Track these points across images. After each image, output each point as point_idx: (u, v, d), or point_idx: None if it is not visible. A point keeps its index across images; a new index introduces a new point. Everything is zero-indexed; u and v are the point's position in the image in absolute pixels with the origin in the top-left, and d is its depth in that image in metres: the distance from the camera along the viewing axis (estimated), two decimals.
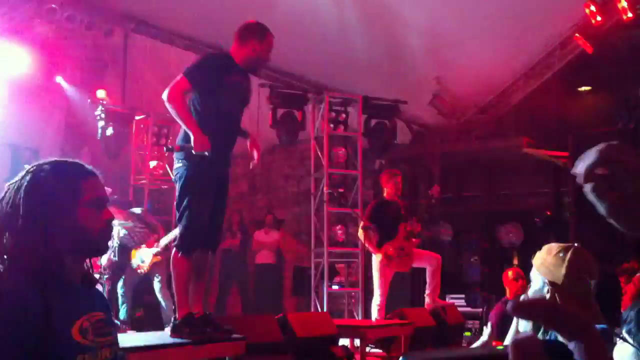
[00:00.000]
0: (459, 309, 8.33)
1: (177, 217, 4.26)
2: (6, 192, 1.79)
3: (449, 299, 8.95)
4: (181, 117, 4.06)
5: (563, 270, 2.25)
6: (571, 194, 7.43)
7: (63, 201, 1.78)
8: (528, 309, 0.62)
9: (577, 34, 9.19)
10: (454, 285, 9.41)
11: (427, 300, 7.40)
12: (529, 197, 10.20)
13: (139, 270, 7.83)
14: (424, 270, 7.71)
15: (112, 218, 1.91)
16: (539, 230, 9.49)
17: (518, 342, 0.57)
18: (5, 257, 1.73)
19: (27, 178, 1.79)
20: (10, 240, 1.72)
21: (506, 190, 10.15)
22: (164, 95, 4.06)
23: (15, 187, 1.78)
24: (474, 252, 10.16)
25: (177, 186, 4.22)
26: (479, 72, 10.02)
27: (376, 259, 7.28)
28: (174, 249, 4.24)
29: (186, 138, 4.12)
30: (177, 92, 4.06)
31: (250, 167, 4.71)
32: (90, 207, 1.82)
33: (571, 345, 0.60)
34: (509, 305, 0.61)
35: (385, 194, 7.52)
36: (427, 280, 7.48)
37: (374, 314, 7.30)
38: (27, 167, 1.86)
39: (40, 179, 1.78)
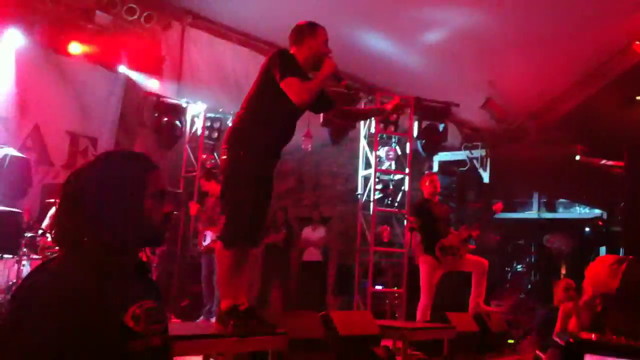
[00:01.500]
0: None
1: (221, 209, 4.27)
2: (75, 177, 1.84)
3: (493, 306, 8.85)
4: (319, 84, 4.12)
5: (616, 282, 2.23)
6: (624, 204, 7.26)
7: (131, 191, 1.82)
8: None
9: (636, 42, 8.99)
10: (499, 292, 9.31)
11: (471, 305, 7.35)
12: (581, 205, 10.02)
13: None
14: (469, 274, 7.67)
15: (172, 211, 1.96)
16: (589, 240, 9.32)
17: None
18: (63, 240, 1.79)
19: (97, 166, 1.84)
20: (76, 225, 1.78)
21: (557, 198, 9.98)
22: (299, 103, 4.08)
23: (85, 175, 1.83)
24: (522, 260, 10.03)
25: (224, 178, 4.27)
26: (533, 78, 9.89)
27: (423, 260, 7.28)
28: (218, 240, 4.28)
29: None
30: (300, 90, 4.07)
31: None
32: (154, 199, 1.86)
33: None
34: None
35: (424, 195, 7.57)
36: (473, 285, 7.45)
37: (419, 315, 7.30)
38: (85, 152, 1.91)
39: (109, 169, 1.83)
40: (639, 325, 2.08)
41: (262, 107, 4.20)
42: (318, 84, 4.10)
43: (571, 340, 0.51)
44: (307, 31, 4.29)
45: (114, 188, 1.80)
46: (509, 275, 10.12)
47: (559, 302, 6.00)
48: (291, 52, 4.28)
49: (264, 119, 4.17)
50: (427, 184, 7.50)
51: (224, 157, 4.23)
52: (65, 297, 1.65)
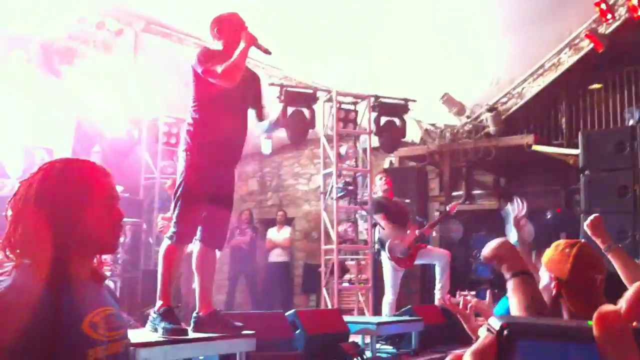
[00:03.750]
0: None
1: (172, 209, 4.29)
2: (19, 188, 1.82)
3: (458, 297, 8.94)
4: (239, 57, 4.15)
5: (568, 266, 2.26)
6: (582, 191, 7.40)
7: (72, 199, 1.79)
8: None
9: (587, 32, 9.17)
10: (463, 282, 9.41)
11: (437, 296, 7.43)
12: (540, 195, 10.17)
13: None
14: (433, 266, 7.77)
15: (122, 217, 1.92)
16: (550, 228, 9.46)
17: (602, 315, 0.58)
18: (17, 251, 1.76)
19: (38, 175, 1.81)
20: (22, 236, 1.75)
21: (516, 188, 10.11)
22: (226, 81, 4.15)
23: (27, 184, 1.80)
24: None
25: (177, 179, 4.35)
26: (489, 70, 10.03)
27: (385, 256, 7.37)
28: (165, 238, 4.29)
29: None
30: (223, 71, 4.14)
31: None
32: (99, 206, 1.84)
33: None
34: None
35: (380, 193, 7.74)
36: (437, 276, 7.54)
37: (385, 310, 7.35)
38: (40, 164, 1.88)
39: (51, 176, 1.80)
40: (590, 308, 2.11)
41: (200, 107, 4.29)
42: (238, 56, 4.16)
43: (504, 324, 0.51)
44: (216, 22, 4.46)
45: (54, 196, 1.77)
46: (473, 266, 10.23)
47: None
48: (215, 47, 4.43)
49: (204, 118, 4.26)
50: (379, 181, 7.69)
51: (179, 161, 4.35)
52: (18, 309, 1.62)
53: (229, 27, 4.38)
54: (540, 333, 0.57)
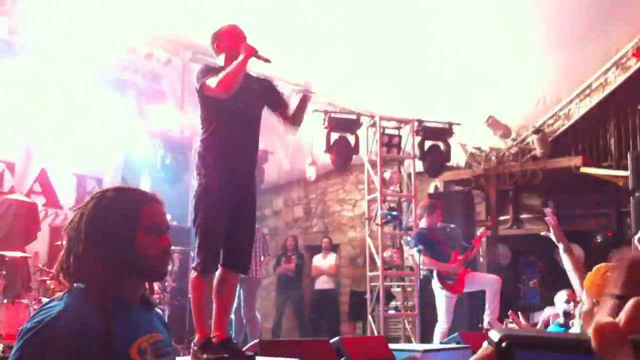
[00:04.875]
0: None
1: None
2: (73, 216, 1.89)
3: (507, 323, 8.78)
4: (236, 67, 4.08)
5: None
6: (632, 213, 7.24)
7: (122, 227, 1.85)
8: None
9: (635, 50, 9.03)
10: (512, 308, 9.23)
11: (485, 322, 7.33)
12: (589, 218, 9.97)
13: None
14: (480, 293, 7.67)
15: (170, 245, 1.97)
16: (600, 251, 9.25)
17: (599, 327, 0.58)
18: (70, 277, 1.82)
19: (91, 204, 1.88)
20: (74, 263, 1.81)
21: (565, 211, 9.93)
22: (223, 92, 4.08)
23: (80, 213, 1.87)
24: (533, 275, 9.96)
25: (194, 205, 4.24)
26: (535, 92, 9.93)
27: (436, 284, 7.31)
28: (192, 270, 4.20)
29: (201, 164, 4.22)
30: (219, 82, 4.08)
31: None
32: (149, 234, 1.88)
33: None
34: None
35: (424, 224, 7.67)
36: (487, 302, 7.43)
37: (436, 339, 7.27)
38: (92, 193, 1.95)
39: (102, 205, 1.87)
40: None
41: (208, 127, 4.21)
42: (235, 66, 4.07)
43: (502, 337, 0.51)
44: (215, 37, 4.42)
45: (105, 224, 1.83)
46: (521, 292, 10.04)
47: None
48: (218, 61, 4.37)
49: (214, 139, 4.17)
50: (426, 213, 7.62)
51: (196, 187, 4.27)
52: (72, 333, 1.67)
53: (228, 40, 4.32)
54: (539, 344, 0.57)
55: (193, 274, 4.15)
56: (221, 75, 4.05)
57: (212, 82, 4.05)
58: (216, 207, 4.08)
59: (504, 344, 0.56)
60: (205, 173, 4.15)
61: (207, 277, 4.12)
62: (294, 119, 4.51)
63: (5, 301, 6.74)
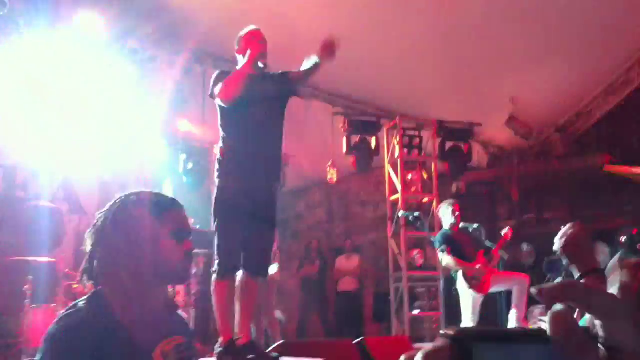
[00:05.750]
0: None
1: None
2: (96, 221, 1.92)
3: (534, 323, 8.73)
4: (240, 71, 4.16)
5: (635, 287, 2.20)
6: None
7: (146, 232, 1.86)
8: (554, 292, 0.62)
9: None
10: (537, 307, 9.17)
11: (512, 320, 7.28)
12: (613, 217, 9.87)
13: None
14: (505, 293, 7.63)
15: (192, 249, 1.98)
16: (626, 249, 9.15)
17: (554, 315, 0.59)
18: (94, 280, 1.85)
19: (114, 208, 1.90)
20: (97, 267, 1.84)
21: (589, 210, 9.85)
22: (227, 98, 4.14)
23: (104, 216, 1.90)
24: (558, 275, 9.87)
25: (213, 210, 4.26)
26: (556, 91, 9.86)
27: (461, 284, 7.28)
28: (212, 273, 4.23)
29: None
30: (221, 90, 4.15)
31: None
32: (171, 238, 1.90)
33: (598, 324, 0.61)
34: (533, 290, 0.61)
35: (445, 224, 7.63)
36: (514, 300, 7.37)
37: None
38: (115, 197, 1.97)
39: (125, 210, 1.89)
40: None
41: (225, 132, 4.25)
42: (236, 71, 4.15)
43: (458, 331, 0.51)
44: (236, 41, 4.44)
45: (128, 229, 1.85)
46: None
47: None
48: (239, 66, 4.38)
49: (231, 142, 4.22)
50: (447, 210, 7.59)
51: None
52: (95, 336, 1.70)
53: (245, 43, 4.35)
54: (494, 337, 0.58)
55: (213, 278, 4.19)
56: (226, 81, 4.11)
57: (217, 90, 4.12)
58: (232, 211, 4.12)
59: (458, 337, 0.57)
60: (222, 178, 4.19)
61: (227, 280, 4.16)
62: (299, 78, 4.43)
63: (32, 306, 6.83)
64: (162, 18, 8.56)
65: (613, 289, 0.71)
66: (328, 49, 4.18)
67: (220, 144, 4.27)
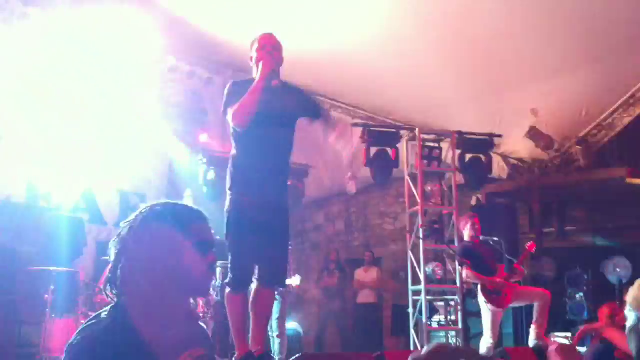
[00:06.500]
0: None
1: None
2: (120, 231, 1.92)
3: (553, 338, 8.62)
4: (252, 92, 4.04)
5: None
6: None
7: (169, 243, 1.86)
8: None
9: None
10: (558, 323, 9.07)
11: (532, 336, 7.19)
12: (636, 229, 9.75)
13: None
14: (525, 307, 7.55)
15: (215, 261, 1.98)
16: None
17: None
18: (117, 290, 1.85)
19: (138, 219, 1.90)
20: (120, 277, 1.85)
21: (611, 223, 9.75)
22: (238, 125, 4.08)
23: (128, 227, 1.90)
24: (579, 289, 9.76)
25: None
26: (578, 102, 9.77)
27: (482, 299, 7.21)
28: (226, 286, 4.20)
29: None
30: (233, 115, 4.09)
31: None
32: (195, 250, 1.89)
33: None
34: None
35: (466, 237, 7.57)
36: (535, 315, 7.27)
37: (482, 353, 7.16)
38: (141, 207, 1.97)
39: (150, 221, 1.89)
40: None
41: (237, 143, 4.21)
42: (246, 97, 4.02)
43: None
44: (250, 46, 4.33)
45: (152, 240, 1.85)
46: (567, 306, 9.83)
47: (600, 328, 5.65)
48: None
49: (242, 154, 4.18)
50: (467, 227, 7.53)
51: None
52: (118, 347, 1.70)
53: (256, 53, 4.25)
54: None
55: (227, 290, 4.18)
56: (235, 107, 4.03)
57: (229, 113, 4.07)
58: (244, 223, 4.07)
59: None
60: (233, 190, 4.15)
61: (240, 292, 4.14)
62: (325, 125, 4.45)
63: (53, 316, 6.89)
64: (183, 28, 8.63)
65: None
66: None
67: (231, 154, 4.25)
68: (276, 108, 4.17)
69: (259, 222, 4.08)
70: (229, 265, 4.13)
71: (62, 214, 8.49)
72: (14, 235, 7.75)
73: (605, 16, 8.07)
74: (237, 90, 4.15)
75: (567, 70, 9.00)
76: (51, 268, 6.96)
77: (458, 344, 8.74)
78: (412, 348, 9.00)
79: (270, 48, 4.22)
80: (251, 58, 4.31)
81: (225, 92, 4.22)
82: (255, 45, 4.27)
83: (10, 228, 7.57)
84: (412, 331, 8.95)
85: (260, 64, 4.13)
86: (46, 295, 6.82)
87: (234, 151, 4.22)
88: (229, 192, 4.20)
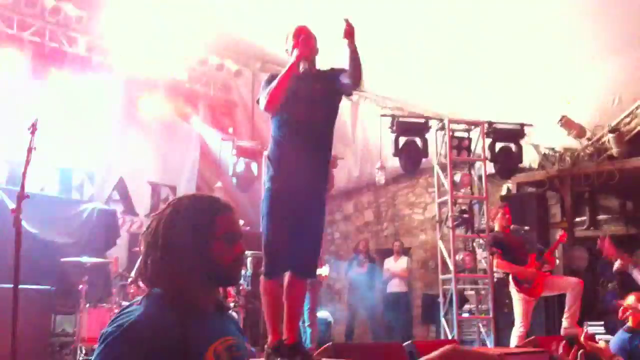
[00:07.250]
0: (598, 336, 7.92)
1: None
2: (151, 223, 1.95)
3: (587, 327, 8.53)
4: (280, 80, 4.10)
5: None
6: None
7: (198, 234, 1.89)
8: None
9: None
10: (591, 312, 8.98)
11: (564, 324, 7.14)
12: None
13: None
14: (557, 297, 7.49)
15: (243, 252, 2.01)
16: None
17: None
18: (148, 282, 1.90)
19: (168, 211, 1.94)
20: (151, 269, 1.89)
21: None
22: (266, 109, 4.17)
23: (157, 219, 1.94)
24: (612, 278, 9.65)
25: None
26: (610, 90, 9.64)
27: (514, 288, 7.18)
28: (261, 274, 4.22)
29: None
30: (263, 102, 4.17)
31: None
32: (223, 241, 1.92)
33: None
34: None
35: (497, 227, 7.50)
36: (567, 304, 7.21)
37: (513, 342, 7.14)
38: (169, 200, 2.01)
39: (178, 213, 1.92)
40: None
41: (274, 133, 4.24)
42: (276, 83, 4.08)
43: None
44: (285, 39, 4.39)
45: (181, 232, 1.88)
46: (600, 295, 9.74)
47: (637, 322, 5.49)
48: None
49: (279, 143, 4.21)
50: (498, 216, 7.46)
51: None
52: (150, 336, 1.74)
53: (290, 41, 4.32)
54: None
55: (262, 278, 4.20)
56: (265, 92, 4.11)
57: (262, 100, 4.14)
58: (279, 212, 4.10)
59: None
60: (269, 179, 4.18)
61: (274, 281, 4.15)
62: (351, 77, 4.22)
63: (87, 305, 7.02)
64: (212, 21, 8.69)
65: None
66: (349, 31, 4.13)
67: (269, 144, 4.28)
68: (313, 95, 4.20)
69: (294, 211, 4.09)
70: (264, 253, 4.14)
71: (95, 206, 8.62)
72: (48, 226, 7.88)
73: (638, 4, 7.94)
74: (272, 81, 4.21)
75: (598, 59, 8.88)
76: (84, 259, 7.07)
77: (471, 347, 8.73)
78: (442, 337, 9.00)
79: (305, 36, 4.27)
80: (286, 51, 4.36)
81: (263, 82, 4.30)
82: (290, 37, 4.33)
83: (44, 220, 7.70)
84: (443, 320, 8.94)
85: (295, 51, 4.18)
86: (80, 286, 6.95)
87: (271, 142, 4.25)
88: (265, 181, 4.23)
